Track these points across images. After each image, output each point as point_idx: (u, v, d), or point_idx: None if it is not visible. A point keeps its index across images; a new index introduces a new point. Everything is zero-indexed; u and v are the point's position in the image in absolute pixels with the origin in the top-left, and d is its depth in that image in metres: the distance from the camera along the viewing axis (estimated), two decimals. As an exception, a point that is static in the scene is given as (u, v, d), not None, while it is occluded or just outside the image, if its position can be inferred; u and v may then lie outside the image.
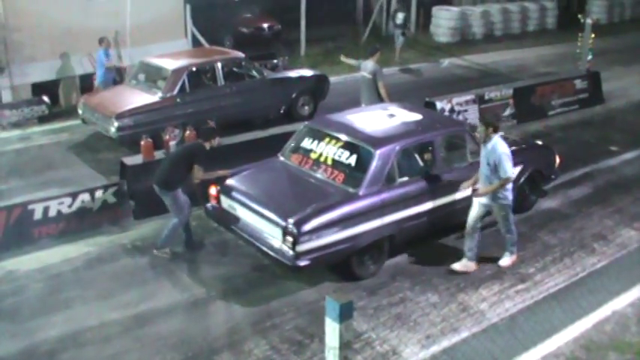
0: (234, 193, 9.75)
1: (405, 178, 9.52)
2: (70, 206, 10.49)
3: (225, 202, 9.92)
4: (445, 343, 8.07)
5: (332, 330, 5.42)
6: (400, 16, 23.37)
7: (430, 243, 10.27)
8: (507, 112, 16.22)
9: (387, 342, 8.07)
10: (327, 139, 10.00)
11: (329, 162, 9.73)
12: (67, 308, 8.78)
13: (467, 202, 9.92)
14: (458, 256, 9.81)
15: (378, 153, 9.35)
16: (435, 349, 7.98)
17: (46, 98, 16.30)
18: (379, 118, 10.51)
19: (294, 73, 16.50)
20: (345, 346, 5.45)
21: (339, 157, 9.68)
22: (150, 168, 10.96)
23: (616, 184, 12.79)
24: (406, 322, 8.47)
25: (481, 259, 9.84)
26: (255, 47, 20.96)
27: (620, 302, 8.93)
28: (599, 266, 9.89)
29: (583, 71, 18.20)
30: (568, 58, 21.47)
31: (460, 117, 14.94)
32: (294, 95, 15.87)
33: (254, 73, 15.35)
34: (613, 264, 9.97)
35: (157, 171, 9.96)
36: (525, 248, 10.28)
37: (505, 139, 11.76)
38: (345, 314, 5.33)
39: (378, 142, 9.56)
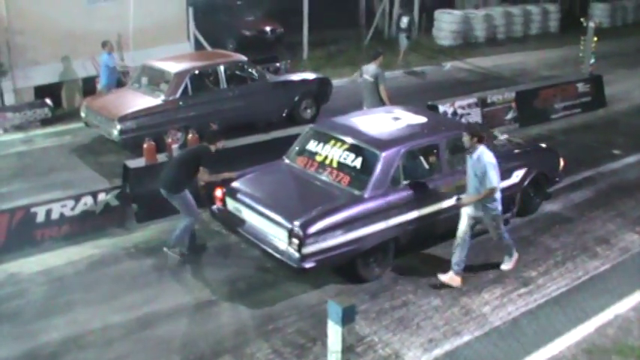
0: (239, 196, 9.77)
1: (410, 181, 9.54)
2: (72, 209, 10.50)
3: (231, 204, 9.94)
4: (447, 346, 8.07)
5: (334, 333, 5.41)
6: (405, 20, 23.40)
7: (433, 246, 10.26)
8: (510, 115, 16.23)
9: (389, 345, 8.06)
10: (333, 142, 10.02)
11: (334, 164, 9.75)
12: (70, 311, 8.78)
13: None
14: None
15: (383, 155, 9.36)
16: (438, 352, 7.97)
17: (48, 101, 16.32)
18: (384, 121, 10.53)
19: (296, 76, 16.51)
20: (347, 349, 5.44)
21: (345, 159, 9.70)
22: (152, 171, 10.98)
23: (619, 188, 12.77)
24: (409, 325, 8.47)
25: (483, 264, 9.85)
26: (258, 50, 20.95)
27: (622, 306, 8.92)
28: (602, 270, 9.88)
29: (586, 75, 18.19)
30: (570, 62, 21.47)
31: (463, 120, 14.92)
32: (296, 98, 15.87)
33: (256, 76, 15.35)
34: (616, 268, 9.95)
35: (162, 174, 9.95)
36: (528, 252, 10.28)
37: (510, 141, 11.88)
38: (347, 317, 5.33)
39: (384, 144, 9.58)
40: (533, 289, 9.28)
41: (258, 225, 9.37)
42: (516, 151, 11.49)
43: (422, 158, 10.02)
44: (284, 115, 15.75)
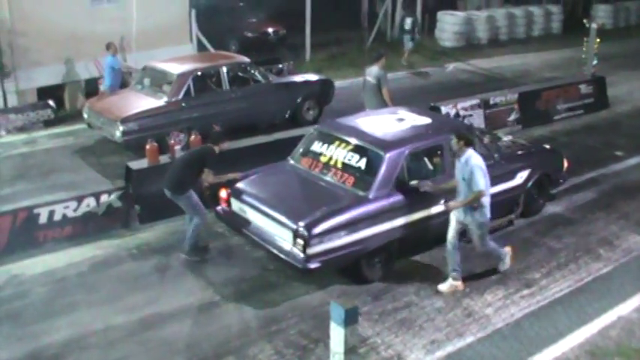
0: (244, 196, 9.79)
1: (415, 182, 9.53)
2: (75, 210, 10.50)
3: (236, 205, 9.96)
4: (450, 348, 8.06)
5: (337, 335, 5.43)
6: (408, 21, 23.44)
7: (437, 247, 10.24)
8: (512, 116, 16.21)
9: (391, 347, 8.06)
10: (337, 143, 10.04)
11: (339, 165, 9.77)
12: (72, 312, 8.79)
13: None
14: (466, 258, 9.81)
15: (387, 156, 9.38)
16: (440, 354, 7.97)
17: (51, 102, 16.35)
18: (389, 122, 10.55)
19: (299, 78, 16.50)
20: (349, 351, 5.46)
21: (349, 160, 9.72)
22: (155, 172, 11.00)
23: (621, 190, 12.75)
24: (411, 327, 8.46)
25: (485, 265, 9.84)
26: (261, 52, 21.02)
27: (625, 308, 8.91)
28: (605, 272, 9.86)
29: (588, 76, 18.17)
30: (573, 63, 21.47)
31: (465, 122, 14.91)
32: (299, 100, 15.86)
33: (259, 77, 15.35)
34: (618, 269, 9.94)
35: (166, 175, 9.95)
36: (531, 253, 10.28)
37: (514, 142, 11.88)
38: (350, 319, 5.35)
39: (388, 145, 9.59)
40: (536, 291, 9.27)
41: (263, 226, 9.39)
42: (520, 152, 11.50)
43: (426, 159, 10.02)
44: (286, 116, 15.74)
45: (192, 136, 11.73)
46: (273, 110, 15.46)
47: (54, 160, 14.03)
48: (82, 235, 10.57)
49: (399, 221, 9.34)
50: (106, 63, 15.59)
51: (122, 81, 15.96)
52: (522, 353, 7.93)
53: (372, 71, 13.75)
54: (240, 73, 15.40)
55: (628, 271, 9.88)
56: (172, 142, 11.52)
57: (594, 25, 18.35)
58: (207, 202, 10.24)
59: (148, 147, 11.25)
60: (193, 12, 20.10)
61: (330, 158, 9.94)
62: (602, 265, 10.03)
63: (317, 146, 10.29)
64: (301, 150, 10.51)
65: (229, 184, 10.02)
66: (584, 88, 17.70)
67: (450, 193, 9.27)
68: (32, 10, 16.26)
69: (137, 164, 11.33)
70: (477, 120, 15.23)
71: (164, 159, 11.39)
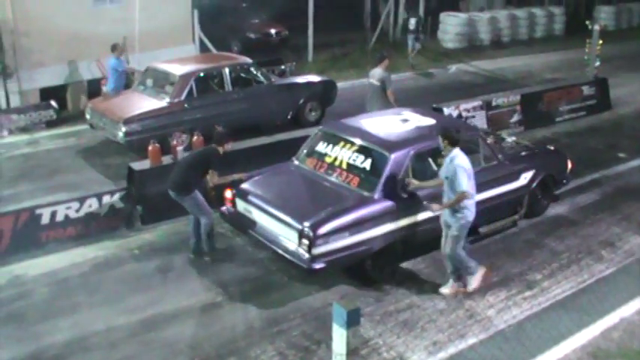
0: (249, 197, 9.81)
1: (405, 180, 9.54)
2: (77, 211, 10.51)
3: (241, 205, 9.98)
4: (452, 349, 8.05)
5: (339, 336, 5.42)
6: (412, 22, 23.46)
7: (439, 249, 10.23)
8: (515, 118, 16.21)
9: (393, 348, 8.05)
10: (342, 143, 10.06)
11: (344, 166, 9.80)
12: (74, 313, 8.79)
13: (482, 206, 9.99)
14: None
15: (392, 157, 9.41)
16: (442, 355, 7.96)
17: (53, 103, 16.36)
18: (393, 123, 10.57)
19: (301, 79, 16.51)
20: (352, 352, 5.44)
21: (354, 161, 9.74)
22: (157, 173, 11.01)
23: (624, 191, 12.75)
24: (413, 328, 8.45)
25: (488, 266, 9.83)
26: (263, 53, 21.03)
27: (628, 310, 8.89)
28: (607, 273, 9.85)
29: (591, 77, 18.18)
30: (575, 65, 21.46)
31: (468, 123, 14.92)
32: (301, 101, 15.86)
33: (261, 78, 15.36)
34: (621, 271, 9.93)
35: (171, 177, 9.94)
36: (533, 255, 10.27)
37: (517, 143, 11.88)
38: (352, 320, 5.33)
39: (393, 146, 9.61)
40: (538, 292, 9.26)
41: (268, 226, 9.42)
42: (524, 153, 11.51)
43: (431, 160, 10.03)
44: (289, 117, 15.75)
45: (195, 137, 11.73)
46: (275, 111, 15.46)
47: (56, 161, 14.03)
48: (84, 235, 10.58)
49: (404, 222, 9.34)
50: (109, 65, 15.57)
51: (126, 82, 15.92)
52: (524, 355, 7.92)
53: (376, 73, 13.74)
54: (242, 74, 15.41)
55: (630, 273, 9.87)
56: (175, 143, 11.52)
57: (597, 27, 18.36)
58: (212, 202, 10.24)
59: (150, 148, 11.26)
60: (196, 13, 20.13)
61: (335, 159, 9.97)
62: (605, 266, 10.02)
63: (322, 147, 10.31)
64: (306, 150, 10.53)
65: (234, 185, 10.04)
66: (586, 90, 17.71)
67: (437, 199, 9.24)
68: (35, 10, 16.28)
69: (139, 165, 11.33)
70: (480, 121, 15.23)
71: (166, 160, 11.39)
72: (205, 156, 9.88)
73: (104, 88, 15.89)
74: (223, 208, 10.29)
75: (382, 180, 9.30)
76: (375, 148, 9.69)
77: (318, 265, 8.70)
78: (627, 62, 23.91)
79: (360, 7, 28.05)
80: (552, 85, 18.17)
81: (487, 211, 10.39)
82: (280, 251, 9.08)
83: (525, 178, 10.88)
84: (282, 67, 17.51)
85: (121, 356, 7.96)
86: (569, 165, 11.82)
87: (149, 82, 14.76)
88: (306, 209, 9.11)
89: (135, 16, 16.92)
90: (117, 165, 13.35)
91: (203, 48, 20.52)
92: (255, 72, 15.38)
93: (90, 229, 10.64)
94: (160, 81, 14.60)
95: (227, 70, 14.76)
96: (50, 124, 16.09)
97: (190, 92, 14.07)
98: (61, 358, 7.92)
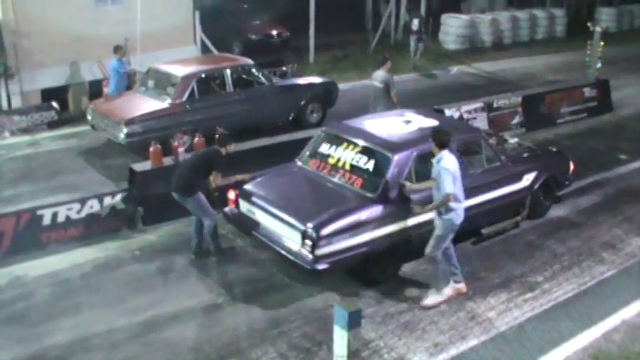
0: (253, 198, 9.83)
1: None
2: (78, 212, 10.51)
3: (244, 206, 10.00)
4: (453, 351, 8.05)
5: (340, 338, 5.42)
6: (415, 22, 23.48)
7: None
8: (516, 120, 16.21)
9: (394, 350, 8.05)
10: (345, 145, 10.08)
11: (347, 167, 9.81)
12: (76, 314, 8.79)
13: (484, 208, 10.03)
14: (470, 262, 9.91)
15: (395, 158, 9.41)
16: (443, 357, 7.96)
17: (55, 104, 16.37)
18: (396, 124, 10.57)
19: (302, 80, 16.51)
20: (353, 354, 5.45)
21: (357, 162, 9.76)
22: (159, 174, 11.03)
23: (625, 193, 12.74)
24: (414, 330, 8.45)
25: (489, 268, 9.85)
26: (264, 54, 21.02)
27: (629, 311, 8.89)
28: (608, 275, 9.84)
29: (592, 79, 18.17)
30: (577, 66, 21.43)
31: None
32: (302, 102, 15.87)
33: (263, 80, 15.36)
34: (622, 273, 9.92)
35: (174, 178, 9.95)
36: (534, 257, 10.27)
37: (520, 145, 11.88)
38: (353, 322, 5.34)
39: (396, 147, 9.62)
40: (539, 294, 9.26)
41: (272, 227, 9.43)
42: (526, 154, 11.52)
43: None
44: (290, 119, 15.76)
45: (196, 139, 11.74)
46: (276, 113, 15.46)
47: (57, 162, 14.04)
48: (85, 236, 10.58)
49: (407, 223, 9.35)
50: (110, 66, 15.57)
51: (128, 84, 15.90)
52: (525, 357, 7.91)
53: (378, 75, 13.74)
54: (243, 76, 15.41)
55: (632, 275, 9.86)
56: (176, 144, 11.53)
57: (598, 29, 18.35)
58: (215, 203, 10.24)
59: (151, 149, 11.26)
60: (197, 14, 20.14)
61: (338, 160, 9.99)
62: (606, 268, 10.01)
63: (325, 148, 10.33)
64: (309, 151, 10.55)
65: (237, 186, 10.04)
66: (587, 92, 17.71)
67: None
68: (36, 11, 16.31)
69: (141, 166, 11.34)
70: (481, 123, 15.24)
71: (168, 161, 11.40)
72: (208, 157, 9.88)
73: (105, 90, 15.90)
74: (226, 209, 10.30)
75: (385, 181, 9.30)
76: (377, 150, 9.70)
77: (321, 266, 8.71)
78: (629, 64, 23.91)
79: (362, 9, 28.05)
80: (553, 87, 18.16)
81: (489, 212, 10.42)
82: (283, 252, 9.09)
83: (528, 179, 10.89)
84: (284, 68, 17.48)
85: (122, 357, 7.96)
86: (572, 166, 11.83)
87: (150, 83, 14.76)
88: (309, 210, 9.12)
89: (136, 17, 16.92)
90: (118, 166, 13.36)
91: (204, 49, 20.54)
92: (256, 73, 15.38)
93: (91, 230, 10.64)
94: (162, 82, 14.59)
95: (228, 72, 14.77)
96: (51, 125, 16.10)
97: (192, 93, 14.07)
98: (62, 359, 7.92)
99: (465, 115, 15.21)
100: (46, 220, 10.26)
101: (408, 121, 10.64)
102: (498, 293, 9.27)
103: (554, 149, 12.63)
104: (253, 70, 15.37)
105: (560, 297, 9.21)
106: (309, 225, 8.72)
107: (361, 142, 9.94)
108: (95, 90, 17.05)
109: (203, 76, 14.53)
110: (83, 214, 10.54)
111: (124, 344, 8.17)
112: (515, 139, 12.38)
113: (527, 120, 16.35)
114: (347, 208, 9.08)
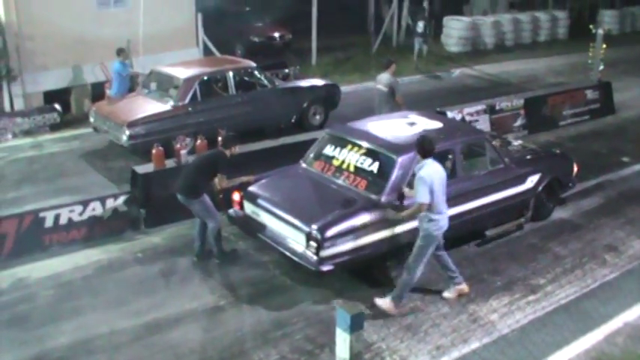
0: (257, 199, 9.85)
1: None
2: (81, 214, 10.51)
3: (249, 207, 10.02)
4: (455, 354, 8.05)
5: (342, 340, 5.42)
6: (421, 25, 23.50)
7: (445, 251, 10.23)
8: (518, 122, 16.21)
9: (397, 352, 8.05)
10: (350, 146, 10.09)
11: (351, 169, 9.84)
12: (78, 316, 8.80)
13: (488, 210, 10.02)
14: (472, 264, 9.94)
15: (400, 160, 9.42)
16: (446, 360, 7.98)
17: (57, 106, 16.36)
18: (400, 126, 10.58)
19: (305, 83, 16.51)
20: (355, 356, 5.44)
21: (362, 164, 9.78)
22: (161, 176, 11.03)
23: (628, 195, 12.73)
24: (416, 332, 8.45)
25: (491, 271, 9.84)
26: (267, 56, 21.03)
27: (631, 314, 8.88)
28: (611, 278, 9.84)
29: (594, 81, 18.14)
30: (579, 69, 21.42)
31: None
32: (305, 104, 15.88)
33: (265, 82, 15.36)
34: (624, 275, 9.92)
35: (179, 180, 9.95)
36: (536, 259, 10.27)
37: (524, 147, 11.89)
38: (355, 325, 5.33)
39: (400, 149, 9.62)
40: (542, 297, 9.25)
41: (276, 228, 9.46)
42: (530, 156, 11.53)
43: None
44: (293, 121, 15.76)
45: (199, 141, 11.74)
46: (279, 115, 15.47)
47: (60, 164, 14.06)
48: (87, 238, 10.59)
49: (411, 224, 9.31)
50: (113, 69, 15.56)
51: (130, 86, 15.89)
52: (528, 359, 7.90)
53: (383, 78, 13.71)
54: (246, 78, 15.41)
55: (634, 278, 9.86)
56: (178, 146, 11.53)
57: (600, 31, 18.34)
58: (219, 205, 10.25)
59: (154, 151, 11.26)
60: (200, 16, 20.14)
61: (343, 162, 10.01)
62: (608, 271, 10.00)
63: (329, 150, 10.35)
64: (313, 153, 10.57)
65: (242, 188, 10.06)
66: (590, 94, 17.70)
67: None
68: (39, 13, 16.32)
69: (143, 168, 11.33)
70: (483, 125, 15.22)
71: (170, 163, 11.40)
72: (213, 159, 9.88)
73: (108, 92, 15.90)
74: (231, 211, 10.32)
75: (390, 183, 9.30)
76: (382, 151, 9.71)
77: (325, 267, 8.74)
78: (631, 66, 23.88)
79: (364, 11, 28.05)
80: (556, 89, 18.14)
81: (493, 214, 10.42)
82: (288, 253, 9.12)
83: (532, 181, 10.90)
84: (286, 70, 17.48)
85: (125, 359, 7.97)
86: (575, 168, 11.83)
87: (153, 85, 14.77)
88: (314, 212, 9.14)
89: (139, 20, 16.93)
90: (120, 168, 13.37)
91: (207, 51, 20.54)
92: (258, 75, 15.38)
93: (93, 232, 10.65)
94: (164, 84, 14.61)
95: (231, 74, 14.78)
96: (54, 128, 16.10)
97: (194, 96, 14.08)
98: (64, 361, 7.94)
99: (467, 118, 15.20)
100: (49, 223, 10.27)
101: (412, 123, 10.64)
102: (501, 296, 9.27)
103: (558, 151, 12.63)
104: (255, 73, 15.38)
105: (562, 299, 9.20)
106: (314, 227, 8.74)
107: (365, 144, 9.95)
108: (97, 92, 17.06)
109: (205, 78, 14.54)
110: (85, 216, 10.55)
111: (126, 346, 8.17)
112: (519, 141, 12.39)
113: (529, 122, 16.34)
114: (351, 209, 9.09)
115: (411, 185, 9.28)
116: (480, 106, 15.69)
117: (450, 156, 9.98)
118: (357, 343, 5.41)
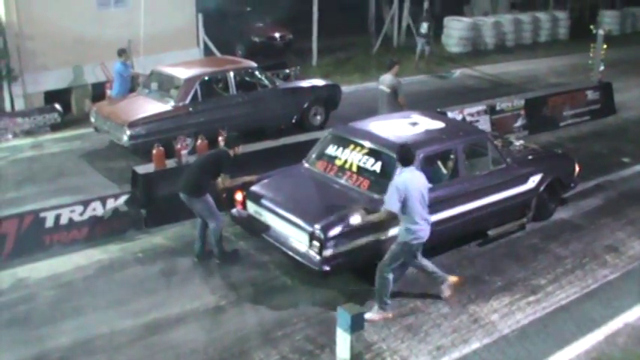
0: (260, 199, 9.86)
1: (429, 185, 9.52)
2: (81, 214, 10.51)
3: (252, 207, 10.03)
4: (456, 354, 8.05)
5: (343, 340, 5.43)
6: (425, 26, 23.49)
7: (443, 252, 10.23)
8: (519, 122, 16.21)
9: (397, 353, 8.05)
10: (352, 146, 10.10)
11: (354, 168, 9.85)
12: (78, 316, 8.80)
13: (490, 209, 10.02)
14: (473, 264, 9.97)
15: None
16: (446, 360, 7.98)
17: (58, 106, 16.35)
18: (403, 126, 10.58)
19: (306, 83, 16.51)
20: (355, 357, 5.45)
21: (364, 163, 9.79)
22: (162, 177, 11.03)
23: (628, 196, 12.74)
24: (417, 333, 8.45)
25: (492, 271, 9.84)
26: (267, 56, 21.03)
27: (632, 315, 8.89)
28: (611, 278, 9.85)
29: (595, 82, 18.15)
30: (580, 69, 21.43)
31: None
32: (305, 105, 15.87)
33: (266, 82, 15.36)
34: (625, 276, 9.92)
35: (182, 179, 9.94)
36: (537, 259, 10.27)
37: (525, 147, 11.89)
38: (356, 325, 5.35)
39: None
40: (542, 297, 9.25)
41: (279, 228, 9.47)
42: (532, 156, 11.53)
43: (440, 163, 10.06)
44: (293, 121, 15.75)
45: (199, 141, 11.74)
46: (279, 115, 15.46)
47: (60, 164, 14.05)
48: (88, 239, 10.58)
49: None
50: (114, 69, 15.55)
51: (131, 87, 15.89)
52: (528, 360, 7.93)
53: (386, 79, 13.68)
54: (247, 78, 15.40)
55: (635, 278, 9.85)
56: (179, 146, 11.53)
57: (601, 32, 18.35)
58: (222, 204, 10.25)
59: (154, 151, 11.26)
60: (200, 16, 20.14)
61: (345, 161, 10.02)
62: (609, 271, 10.01)
63: (332, 150, 10.36)
64: (316, 153, 10.58)
65: (245, 187, 10.06)
66: (590, 94, 17.70)
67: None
68: (40, 13, 16.32)
69: (144, 169, 11.33)
70: (484, 126, 15.19)
71: (170, 163, 11.41)
72: (216, 159, 9.88)
73: (109, 92, 15.91)
74: (233, 211, 10.33)
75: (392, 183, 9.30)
76: (384, 151, 9.70)
77: (328, 267, 8.74)
78: (631, 67, 23.89)
79: (365, 12, 28.05)
80: (556, 90, 18.15)
81: (495, 213, 10.43)
82: (291, 253, 9.13)
83: (533, 181, 10.91)
84: (287, 70, 17.49)
85: (125, 359, 7.97)
86: (577, 169, 11.83)
87: (154, 85, 14.75)
88: (316, 211, 9.15)
89: (139, 20, 16.92)
90: (121, 168, 13.35)
91: (207, 52, 20.54)
92: (259, 76, 15.38)
93: (94, 232, 10.64)
94: (165, 84, 14.61)
95: (232, 74, 14.77)
96: (54, 128, 16.10)
97: (195, 96, 14.08)
98: (65, 361, 7.94)
99: (468, 118, 15.19)
100: (49, 223, 10.26)
101: (415, 123, 10.65)
102: (501, 296, 9.27)
103: (560, 151, 12.63)
104: (256, 73, 15.37)
105: (563, 300, 9.21)
106: (317, 226, 8.75)
107: (368, 144, 9.96)
108: (98, 92, 17.07)
109: (206, 78, 14.53)
110: (86, 216, 10.55)
111: (126, 347, 8.17)
112: (521, 141, 12.39)
113: (529, 123, 16.34)
114: (354, 209, 9.06)
115: None
116: (481, 107, 15.69)
117: (452, 156, 10.00)
118: (357, 343, 5.42)
